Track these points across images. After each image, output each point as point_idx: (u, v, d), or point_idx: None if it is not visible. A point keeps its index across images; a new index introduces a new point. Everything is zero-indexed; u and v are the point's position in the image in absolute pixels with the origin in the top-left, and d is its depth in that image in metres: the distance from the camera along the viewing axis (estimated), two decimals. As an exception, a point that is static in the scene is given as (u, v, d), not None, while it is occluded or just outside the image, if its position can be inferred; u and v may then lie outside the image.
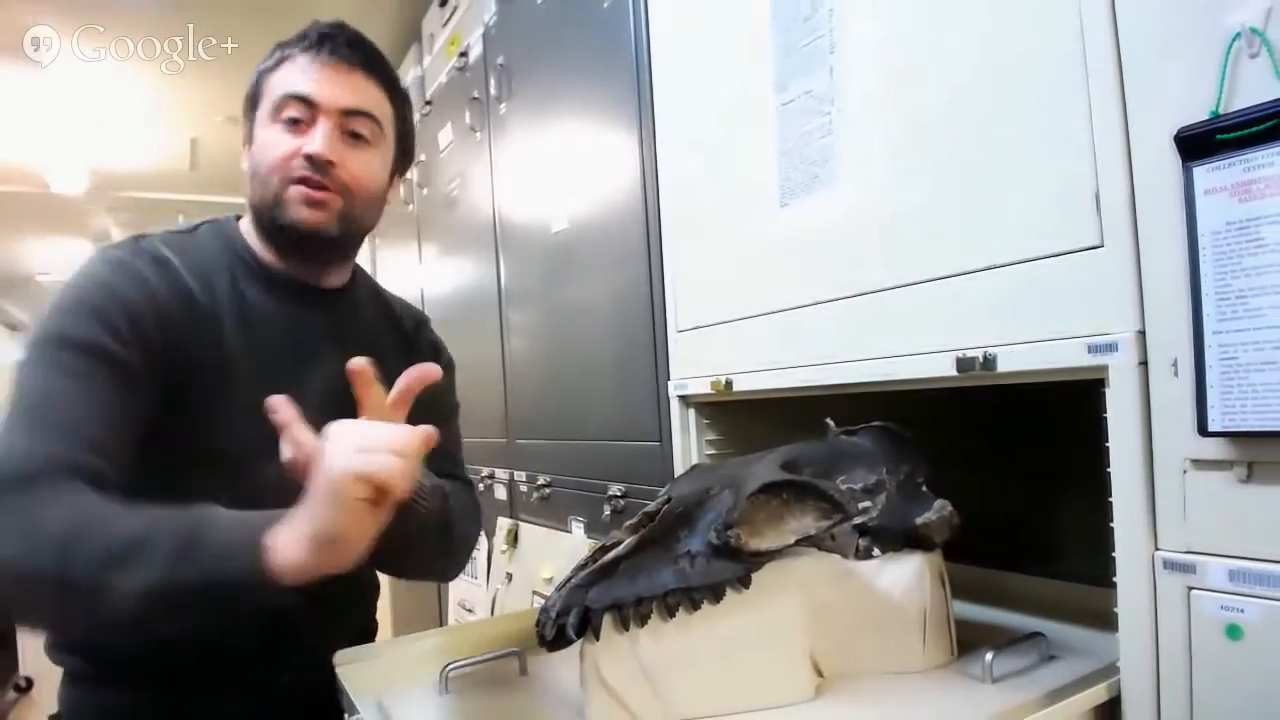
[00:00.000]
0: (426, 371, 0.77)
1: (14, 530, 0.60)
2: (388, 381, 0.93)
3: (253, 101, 0.86)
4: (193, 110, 3.18)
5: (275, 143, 0.82)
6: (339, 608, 0.88)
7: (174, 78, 2.76)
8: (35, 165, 3.65)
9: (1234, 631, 0.56)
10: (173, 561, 0.58)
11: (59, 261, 5.96)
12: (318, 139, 0.81)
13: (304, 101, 0.81)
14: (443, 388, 1.03)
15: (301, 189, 0.81)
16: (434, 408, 0.99)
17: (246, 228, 0.89)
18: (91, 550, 0.59)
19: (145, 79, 2.80)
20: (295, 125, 0.82)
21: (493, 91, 1.74)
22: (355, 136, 0.84)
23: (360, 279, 0.98)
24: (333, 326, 0.90)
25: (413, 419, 0.95)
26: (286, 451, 0.68)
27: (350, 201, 0.84)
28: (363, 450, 0.59)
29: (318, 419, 0.86)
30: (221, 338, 0.80)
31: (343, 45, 0.83)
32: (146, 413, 0.74)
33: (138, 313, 0.74)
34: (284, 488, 0.85)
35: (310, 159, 0.81)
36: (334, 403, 0.87)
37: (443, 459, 0.99)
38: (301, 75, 0.82)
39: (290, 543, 0.60)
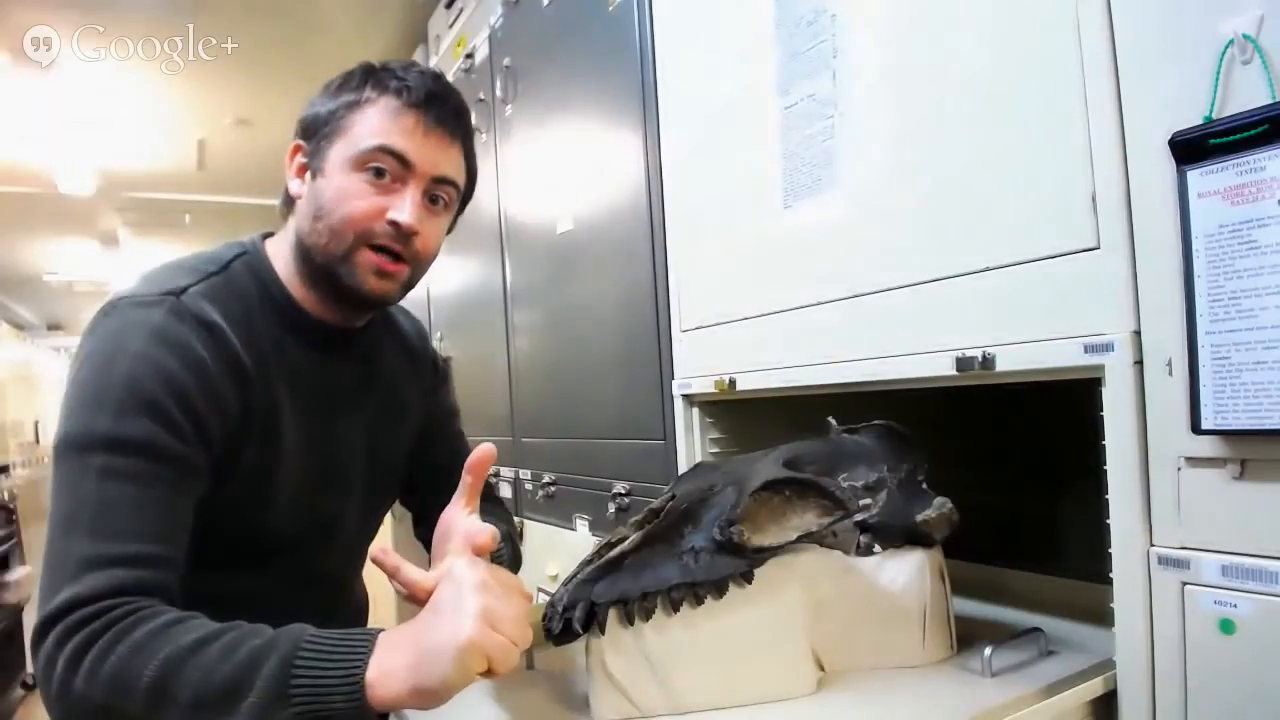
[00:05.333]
0: (484, 457, 0.72)
1: (102, 673, 0.58)
2: (407, 409, 0.94)
3: (327, 131, 0.79)
4: (200, 112, 3.20)
5: (357, 193, 0.76)
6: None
7: (181, 79, 2.77)
8: (44, 166, 3.68)
9: (1227, 626, 0.57)
10: (266, 704, 0.57)
11: (67, 262, 6.00)
12: (408, 208, 0.77)
13: (399, 159, 0.76)
14: (443, 397, 1.04)
15: (376, 258, 0.78)
16: (437, 417, 1.01)
17: (277, 254, 0.83)
18: (186, 694, 0.57)
19: (152, 80, 2.82)
20: (379, 177, 0.77)
21: (498, 93, 1.75)
22: (432, 200, 0.81)
23: None
24: (360, 370, 0.89)
25: (420, 438, 0.97)
26: (400, 589, 0.68)
27: (416, 269, 0.82)
28: (494, 626, 0.57)
29: (352, 469, 0.88)
30: (268, 405, 0.77)
31: (450, 116, 0.79)
32: (201, 498, 0.71)
33: (190, 396, 0.70)
34: (331, 555, 0.84)
35: (397, 227, 0.77)
36: (367, 451, 0.89)
37: (459, 473, 1.00)
38: (403, 133, 0.77)
39: (392, 685, 0.57)
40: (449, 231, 0.88)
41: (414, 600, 0.66)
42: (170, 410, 0.68)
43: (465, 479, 0.72)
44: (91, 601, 0.61)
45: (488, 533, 0.68)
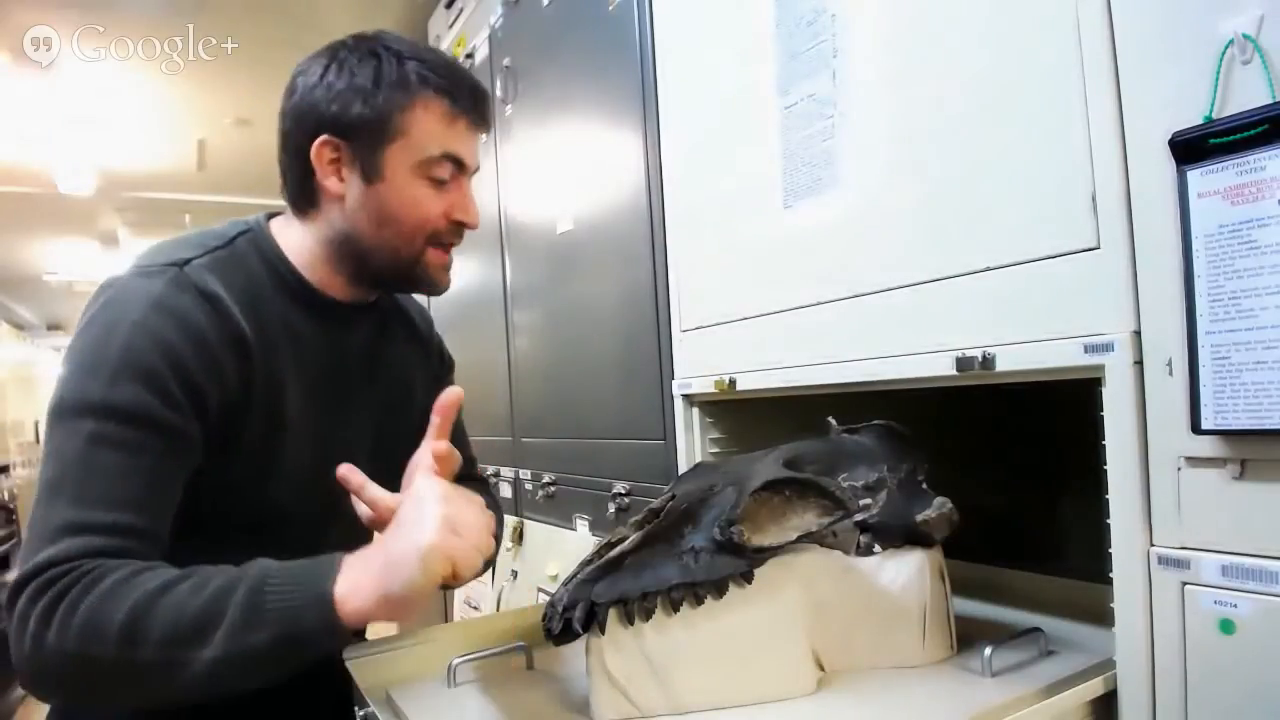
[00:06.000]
0: (452, 399, 0.76)
1: (73, 622, 0.59)
2: (411, 392, 0.94)
3: (376, 132, 0.78)
4: (200, 111, 3.20)
5: (426, 200, 0.80)
6: None
7: (181, 79, 2.77)
8: (44, 166, 3.68)
9: (1227, 626, 0.57)
10: (240, 630, 0.59)
11: (66, 261, 6.00)
12: (471, 208, 0.83)
13: (458, 165, 0.81)
14: (447, 384, 1.04)
15: (440, 254, 0.83)
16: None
17: (283, 233, 0.83)
18: (158, 632, 0.59)
19: (152, 80, 2.82)
20: (441, 184, 0.81)
21: (498, 93, 1.75)
22: None
23: None
24: (368, 346, 0.89)
25: (419, 420, 0.97)
26: (363, 511, 0.69)
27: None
28: (456, 532, 0.61)
29: (362, 444, 0.88)
30: (272, 379, 0.77)
31: (486, 114, 0.84)
32: (193, 470, 0.72)
33: (187, 367, 0.70)
34: (335, 531, 0.85)
35: (461, 226, 0.82)
36: (374, 426, 0.89)
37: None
38: (459, 139, 0.81)
39: (361, 596, 0.60)
40: None
41: (378, 522, 0.68)
42: (166, 380, 0.68)
43: (434, 419, 0.75)
44: (65, 562, 0.61)
45: (445, 444, 0.72)
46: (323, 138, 0.78)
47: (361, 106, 0.77)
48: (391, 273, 0.83)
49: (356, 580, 0.61)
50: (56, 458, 0.66)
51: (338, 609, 0.60)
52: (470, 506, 0.64)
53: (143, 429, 0.67)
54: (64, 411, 0.67)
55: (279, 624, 0.59)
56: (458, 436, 1.05)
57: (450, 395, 0.75)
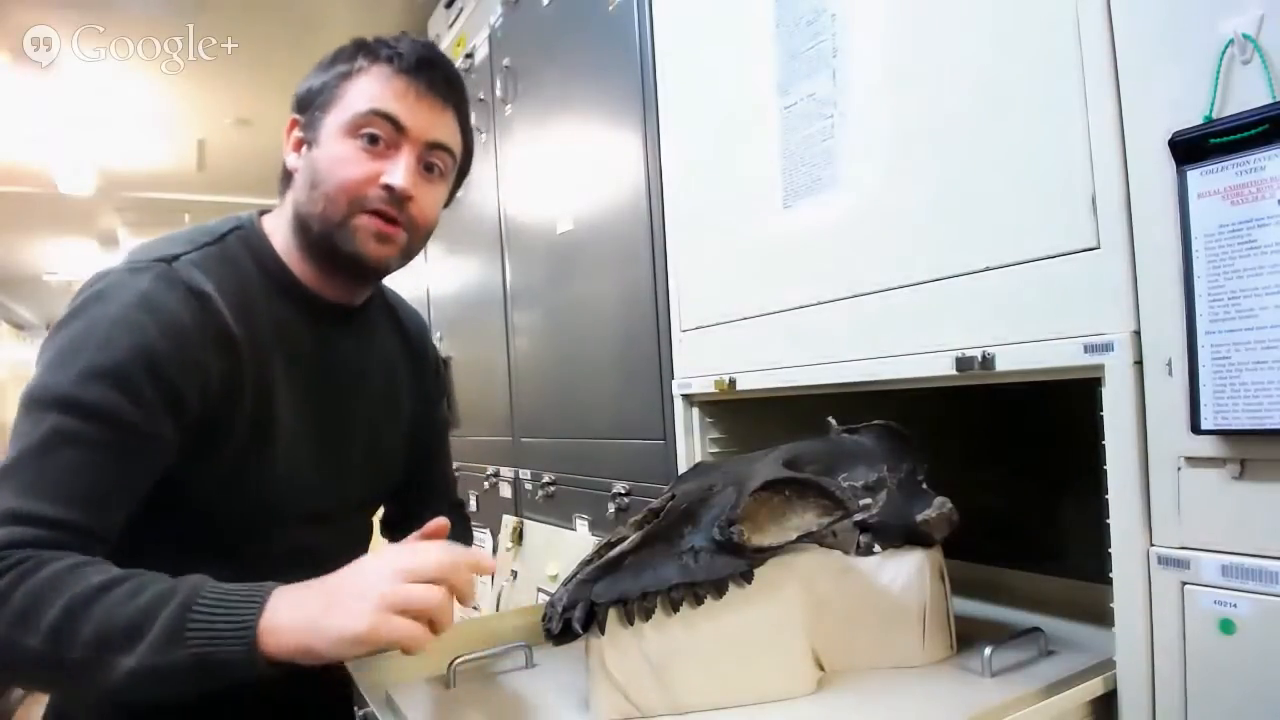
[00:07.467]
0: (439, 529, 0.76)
1: (4, 611, 0.58)
2: (400, 398, 0.94)
3: (321, 102, 0.80)
4: (200, 112, 3.20)
5: (351, 160, 0.77)
6: None
7: (181, 79, 2.78)
8: (44, 166, 3.68)
9: (1227, 626, 0.57)
10: (162, 646, 0.58)
11: (66, 261, 6.00)
12: (401, 171, 0.77)
13: (392, 123, 0.77)
14: (441, 410, 1.04)
15: (374, 221, 0.77)
16: (431, 426, 1.01)
17: (274, 230, 0.83)
18: (85, 633, 0.58)
19: (152, 80, 2.82)
20: (373, 144, 0.77)
21: (498, 93, 1.75)
22: (428, 169, 0.81)
23: (374, 289, 0.94)
24: (358, 349, 0.88)
25: (411, 440, 0.97)
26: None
27: (414, 236, 0.82)
28: (404, 613, 0.59)
29: (355, 446, 0.87)
30: (261, 380, 0.76)
31: (442, 81, 0.80)
32: (161, 471, 0.70)
33: (163, 366, 0.68)
34: (325, 540, 0.83)
35: (391, 191, 0.77)
36: (367, 428, 0.88)
37: (439, 488, 1.01)
38: (395, 97, 0.77)
39: (281, 642, 0.59)
40: (447, 204, 0.88)
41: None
42: (138, 379, 0.67)
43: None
44: (2, 549, 0.60)
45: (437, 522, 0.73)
46: (290, 117, 0.83)
47: (314, 79, 0.81)
48: (324, 242, 0.78)
49: (280, 624, 0.59)
50: (16, 446, 0.65)
51: (260, 643, 0.58)
52: (432, 589, 0.60)
53: (105, 427, 0.66)
54: (31, 401, 0.66)
55: (200, 646, 0.58)
56: (440, 457, 1.05)
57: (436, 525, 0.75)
